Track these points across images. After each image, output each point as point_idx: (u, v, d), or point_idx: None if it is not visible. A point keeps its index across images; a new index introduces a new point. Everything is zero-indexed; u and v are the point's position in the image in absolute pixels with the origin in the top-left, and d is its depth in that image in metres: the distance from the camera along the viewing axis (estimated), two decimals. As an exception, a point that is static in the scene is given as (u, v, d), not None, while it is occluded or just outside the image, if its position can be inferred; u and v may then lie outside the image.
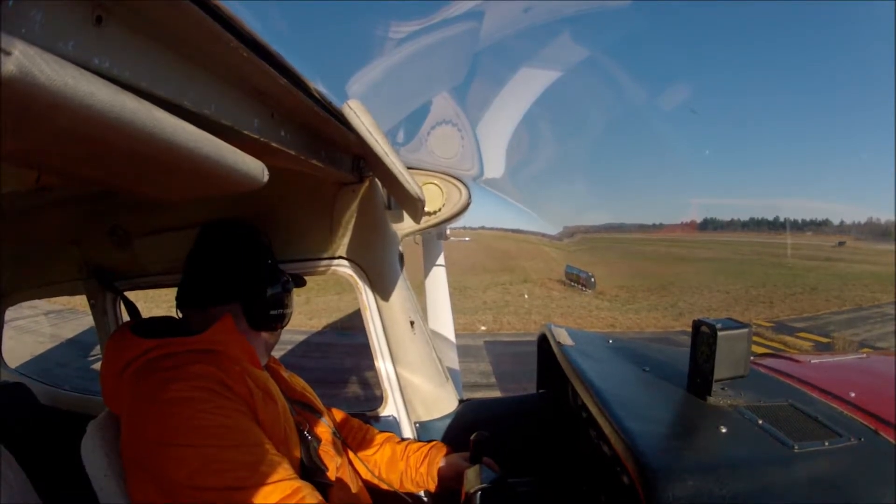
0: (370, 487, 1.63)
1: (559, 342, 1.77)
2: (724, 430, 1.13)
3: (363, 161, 1.61)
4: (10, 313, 2.54)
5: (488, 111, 1.85)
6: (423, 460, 1.64)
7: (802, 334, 13.64)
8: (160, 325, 1.35)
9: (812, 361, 1.94)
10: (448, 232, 3.00)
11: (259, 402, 1.19)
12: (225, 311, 1.32)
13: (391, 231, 1.87)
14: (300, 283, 1.63)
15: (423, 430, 1.95)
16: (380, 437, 1.73)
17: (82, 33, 0.47)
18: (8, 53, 0.34)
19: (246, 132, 0.82)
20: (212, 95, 0.72)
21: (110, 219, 1.80)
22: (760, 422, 1.17)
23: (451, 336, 2.96)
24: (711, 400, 1.30)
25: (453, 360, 2.80)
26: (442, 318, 2.96)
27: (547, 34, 1.65)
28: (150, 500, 1.02)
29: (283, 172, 1.10)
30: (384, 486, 1.69)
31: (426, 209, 1.84)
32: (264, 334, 1.42)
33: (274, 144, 0.95)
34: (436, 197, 1.88)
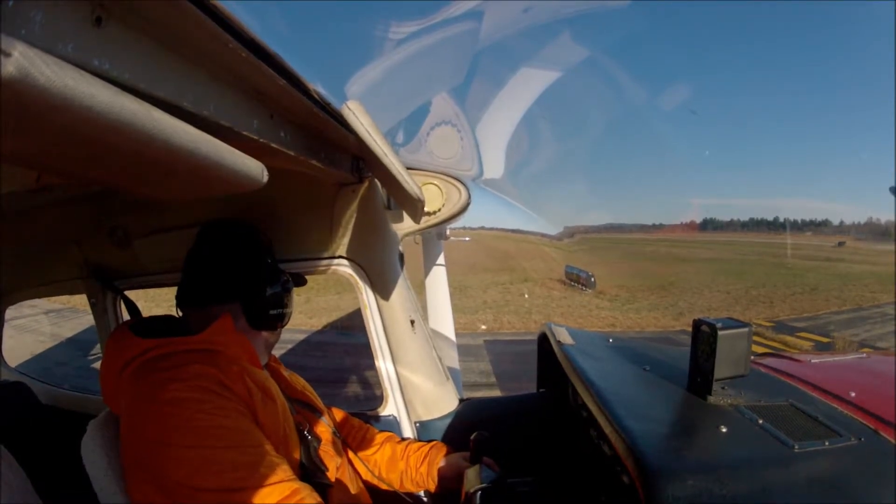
0: (370, 487, 1.63)
1: (559, 341, 1.77)
2: (724, 430, 1.14)
3: (363, 161, 1.61)
4: (10, 312, 2.54)
5: (488, 111, 1.84)
6: (423, 460, 1.64)
7: (802, 334, 13.64)
8: (160, 325, 1.35)
9: (812, 361, 1.94)
10: (448, 232, 3.00)
11: (258, 402, 1.19)
12: (224, 310, 1.32)
13: (391, 231, 1.87)
14: (301, 282, 1.63)
15: (424, 430, 1.95)
16: (380, 437, 1.73)
17: (82, 34, 0.47)
18: (8, 55, 0.34)
19: (245, 133, 0.82)
20: (211, 96, 0.72)
21: (110, 219, 1.80)
22: (761, 421, 1.17)
23: (452, 335, 2.96)
24: (712, 399, 1.30)
25: (453, 360, 2.80)
26: (442, 318, 2.96)
27: (547, 34, 1.65)
28: (149, 500, 1.02)
29: (282, 173, 1.10)
30: (384, 486, 1.69)
31: (426, 209, 1.84)
32: (264, 333, 1.42)
33: (273, 145, 0.95)
34: (435, 197, 1.88)
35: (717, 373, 1.28)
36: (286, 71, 0.81)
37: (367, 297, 1.90)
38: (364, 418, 1.88)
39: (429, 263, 2.98)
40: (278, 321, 1.42)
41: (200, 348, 1.21)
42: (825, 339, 13.13)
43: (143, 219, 1.78)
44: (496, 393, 7.44)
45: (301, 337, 11.07)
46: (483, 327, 13.73)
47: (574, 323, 14.75)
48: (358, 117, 1.03)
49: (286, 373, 1.57)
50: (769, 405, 1.29)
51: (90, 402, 2.44)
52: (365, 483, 1.62)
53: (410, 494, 1.71)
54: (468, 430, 1.56)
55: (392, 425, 1.94)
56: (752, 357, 1.38)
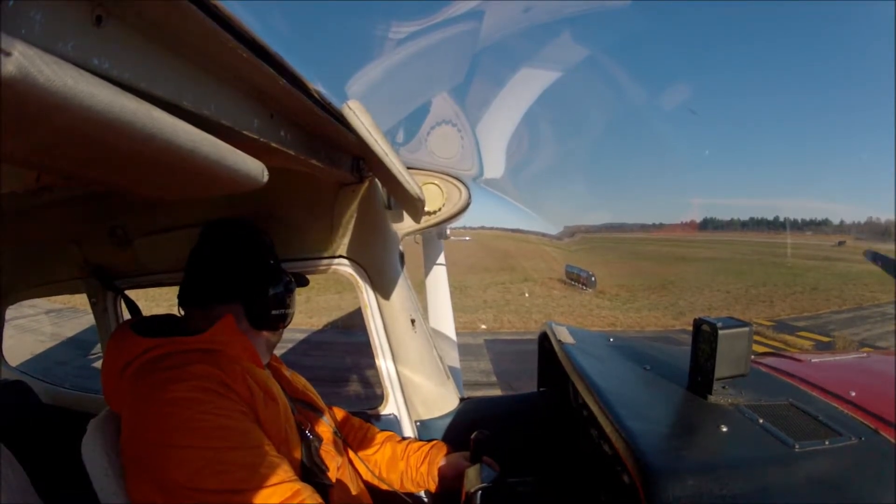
0: (370, 487, 1.63)
1: (560, 340, 1.77)
2: (724, 429, 1.14)
3: (363, 161, 1.61)
4: (10, 312, 2.54)
5: (488, 111, 1.84)
6: (423, 460, 1.64)
7: (803, 333, 13.63)
8: (161, 324, 1.35)
9: (813, 361, 1.94)
10: (448, 231, 3.00)
11: (259, 403, 1.19)
12: (226, 310, 1.32)
13: (391, 230, 1.87)
14: (303, 282, 1.63)
15: (424, 429, 1.95)
16: (380, 437, 1.73)
17: (82, 34, 0.47)
18: (8, 54, 0.34)
19: (245, 132, 0.82)
20: (211, 96, 0.72)
21: (110, 219, 1.80)
22: (761, 421, 1.17)
23: (452, 335, 2.96)
24: (712, 399, 1.30)
25: (454, 359, 2.80)
26: (443, 317, 2.96)
27: (547, 34, 1.65)
28: (149, 499, 1.02)
29: (282, 173, 1.10)
30: (384, 486, 1.68)
31: (426, 209, 1.84)
32: (266, 333, 1.42)
33: (274, 145, 0.95)
34: (436, 197, 1.88)
35: (718, 372, 1.28)
36: (287, 70, 0.81)
37: (368, 297, 1.90)
38: (364, 417, 1.88)
39: (429, 263, 2.98)
40: (280, 321, 1.42)
41: (202, 348, 1.21)
42: (825, 339, 13.12)
43: (143, 218, 1.78)
44: (497, 392, 7.44)
45: (301, 336, 11.07)
46: (483, 327, 13.72)
47: (574, 322, 14.75)
48: (358, 117, 1.03)
49: (287, 372, 1.57)
50: (769, 405, 1.29)
51: (90, 401, 2.44)
52: (365, 483, 1.62)
53: (410, 494, 1.71)
54: (468, 430, 1.56)
55: (392, 424, 1.94)
56: (753, 356, 1.38)
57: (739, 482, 0.96)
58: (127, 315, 1.82)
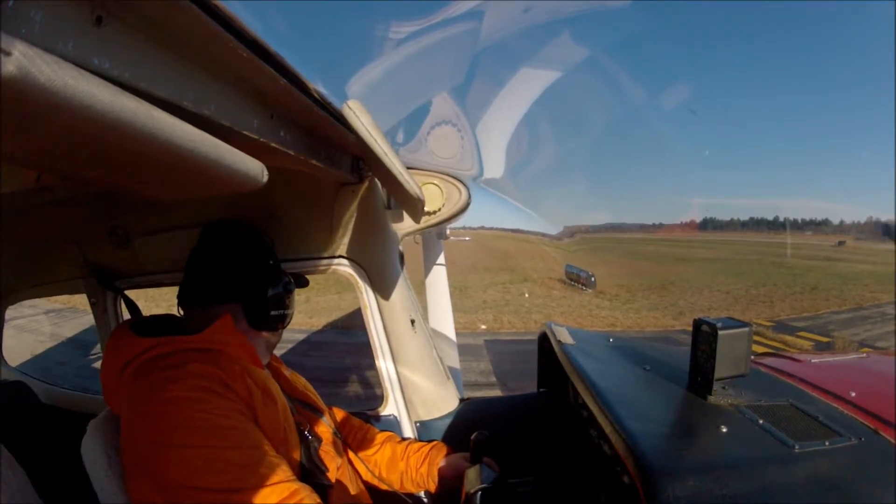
0: (370, 487, 1.63)
1: (560, 341, 1.77)
2: (724, 430, 1.14)
3: (363, 161, 1.61)
4: (10, 312, 2.54)
5: (488, 111, 1.84)
6: (423, 460, 1.63)
7: (803, 334, 13.64)
8: (161, 324, 1.35)
9: (812, 361, 1.94)
10: (448, 231, 3.00)
11: (258, 403, 1.18)
12: (225, 310, 1.32)
13: (391, 231, 1.87)
14: (302, 283, 1.63)
15: (424, 430, 1.95)
16: (380, 437, 1.73)
17: (82, 33, 0.47)
18: (8, 54, 0.34)
19: (245, 132, 0.82)
20: (211, 96, 0.72)
21: (110, 219, 1.80)
22: (761, 421, 1.17)
23: (452, 335, 2.96)
24: (712, 399, 1.30)
25: (454, 359, 2.80)
26: (442, 317, 2.96)
27: (547, 34, 1.65)
28: (149, 499, 1.02)
29: (282, 173, 1.10)
30: (384, 487, 1.68)
31: (426, 209, 1.83)
32: (265, 334, 1.42)
33: (273, 145, 0.95)
34: (435, 197, 1.88)
35: (718, 373, 1.28)
36: (287, 70, 0.81)
37: (368, 297, 1.89)
38: (364, 418, 1.88)
39: (429, 263, 2.98)
40: (279, 322, 1.42)
41: (201, 347, 1.21)
42: (825, 339, 13.13)
43: (143, 218, 1.78)
44: (496, 393, 7.44)
45: (301, 336, 11.07)
46: (483, 327, 13.72)
47: (574, 322, 14.76)
48: (358, 117, 1.03)
49: (287, 372, 1.57)
50: (769, 405, 1.29)
51: (90, 401, 2.43)
52: (365, 483, 1.62)
53: (410, 495, 1.71)
54: (468, 430, 1.56)
55: (392, 425, 1.94)
56: (753, 357, 1.38)
57: (739, 482, 0.96)
58: (127, 315, 1.81)
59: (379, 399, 2.00)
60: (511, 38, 1.63)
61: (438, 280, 2.99)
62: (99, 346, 2.33)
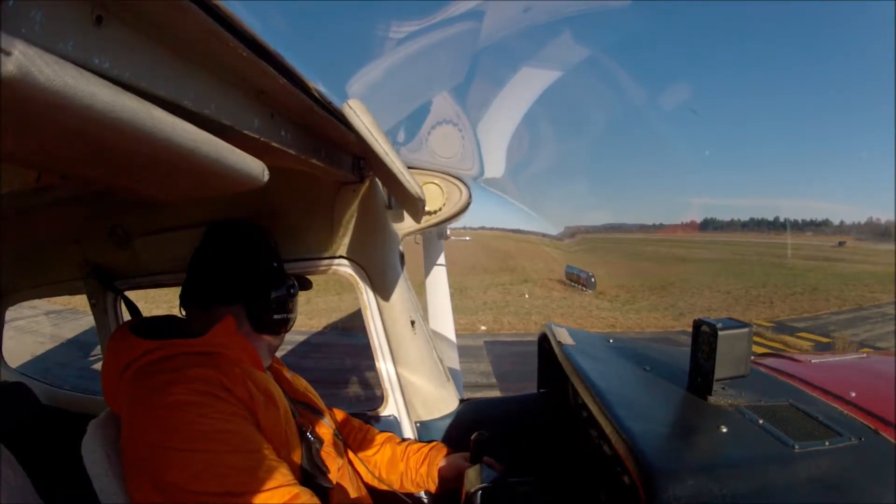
0: (370, 488, 1.63)
1: (560, 342, 1.77)
2: (724, 430, 1.13)
3: (363, 161, 1.61)
4: (10, 313, 2.54)
5: (488, 111, 1.85)
6: (423, 461, 1.63)
7: (803, 334, 13.64)
8: (161, 325, 1.34)
9: (812, 361, 1.94)
10: (448, 232, 3.00)
11: (260, 406, 1.18)
12: (227, 311, 1.32)
13: (391, 231, 1.87)
14: (306, 285, 1.62)
15: (424, 430, 1.95)
16: (380, 438, 1.73)
17: (82, 33, 0.47)
18: (8, 53, 0.34)
19: (246, 132, 0.82)
20: (212, 95, 0.72)
21: (110, 219, 1.80)
22: (761, 421, 1.17)
23: (452, 336, 2.96)
24: (712, 399, 1.30)
25: (454, 360, 2.80)
26: (442, 318, 2.96)
27: (547, 34, 1.65)
28: (149, 500, 1.02)
29: (283, 172, 1.10)
30: (384, 487, 1.68)
31: (426, 209, 1.83)
32: (267, 337, 1.41)
33: (274, 144, 0.95)
34: (436, 197, 1.88)
35: (718, 373, 1.28)
36: (287, 70, 0.81)
37: (368, 298, 1.89)
38: (364, 418, 1.88)
39: (429, 263, 2.98)
40: (282, 326, 1.41)
41: (202, 350, 1.21)
42: (825, 340, 13.13)
43: (144, 218, 1.78)
44: (496, 393, 7.44)
45: (301, 338, 11.06)
46: (483, 328, 13.72)
47: (574, 323, 14.76)
48: (359, 116, 1.03)
49: (288, 374, 1.56)
50: (769, 405, 1.29)
51: (90, 402, 2.43)
52: (365, 484, 1.62)
53: (410, 495, 1.71)
54: (468, 431, 1.56)
55: (392, 425, 1.94)
56: (753, 357, 1.38)
57: (739, 483, 0.96)
58: (127, 316, 1.81)
59: (379, 400, 2.00)
60: (511, 38, 1.63)
61: (439, 280, 2.99)
62: (99, 347, 2.33)
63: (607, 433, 1.19)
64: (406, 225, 1.90)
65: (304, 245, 1.83)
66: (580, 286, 20.96)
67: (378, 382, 2.00)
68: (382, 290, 1.87)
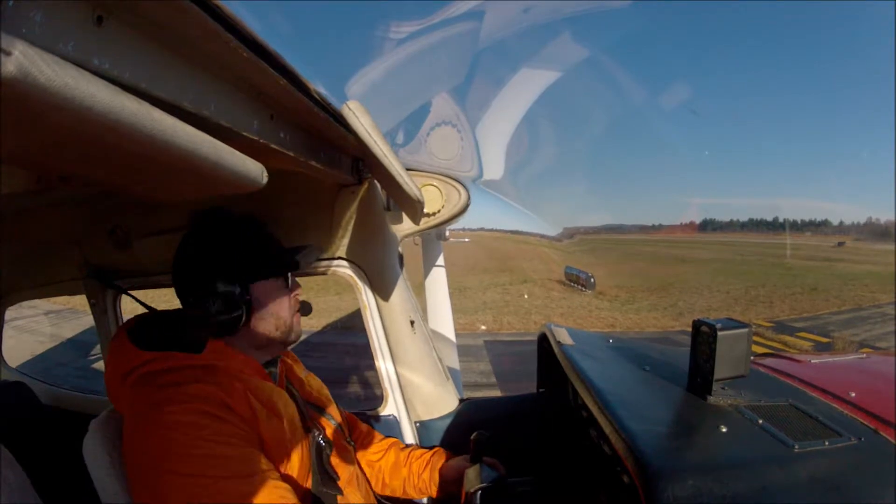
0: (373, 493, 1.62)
1: (559, 342, 1.77)
2: (724, 430, 1.14)
3: (362, 162, 1.61)
4: (9, 313, 2.54)
5: (488, 112, 1.85)
6: (425, 466, 1.63)
7: (802, 334, 13.65)
8: (161, 328, 1.31)
9: (812, 361, 1.94)
10: (448, 233, 3.00)
11: (262, 420, 1.15)
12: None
13: (390, 232, 1.87)
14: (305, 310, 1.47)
15: (424, 430, 1.96)
16: (384, 443, 1.72)
17: (82, 33, 0.47)
18: (8, 54, 0.34)
19: (245, 133, 0.82)
20: (211, 96, 0.71)
21: (110, 219, 1.80)
22: (761, 421, 1.17)
23: (452, 336, 2.96)
24: (712, 399, 1.30)
25: (453, 360, 2.80)
26: (442, 319, 2.96)
27: (547, 34, 1.66)
28: None
29: (282, 174, 1.10)
30: (387, 492, 1.68)
31: (425, 210, 1.83)
32: (247, 334, 1.28)
33: (273, 146, 0.94)
34: (435, 198, 1.88)
35: (717, 373, 1.28)
36: (287, 71, 0.81)
37: (367, 298, 1.89)
38: (364, 418, 1.88)
39: (428, 264, 2.98)
40: (235, 323, 1.24)
41: (201, 364, 1.17)
42: (825, 340, 13.13)
43: (144, 219, 1.78)
44: (496, 392, 7.45)
45: (301, 337, 11.04)
46: (483, 328, 13.73)
47: (573, 323, 14.76)
48: (358, 117, 1.03)
49: (303, 373, 1.53)
50: (769, 405, 1.29)
51: (90, 402, 2.44)
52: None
53: (413, 501, 1.70)
54: (468, 430, 1.56)
55: (392, 425, 1.94)
56: (752, 357, 1.38)
57: (739, 482, 0.96)
58: (127, 315, 1.81)
59: (378, 399, 2.00)
60: (511, 38, 1.63)
61: (438, 281, 2.98)
62: (98, 346, 2.33)
63: (607, 433, 1.19)
64: (405, 226, 1.90)
65: None
66: (579, 286, 20.98)
67: (377, 382, 2.00)
68: (382, 290, 1.87)
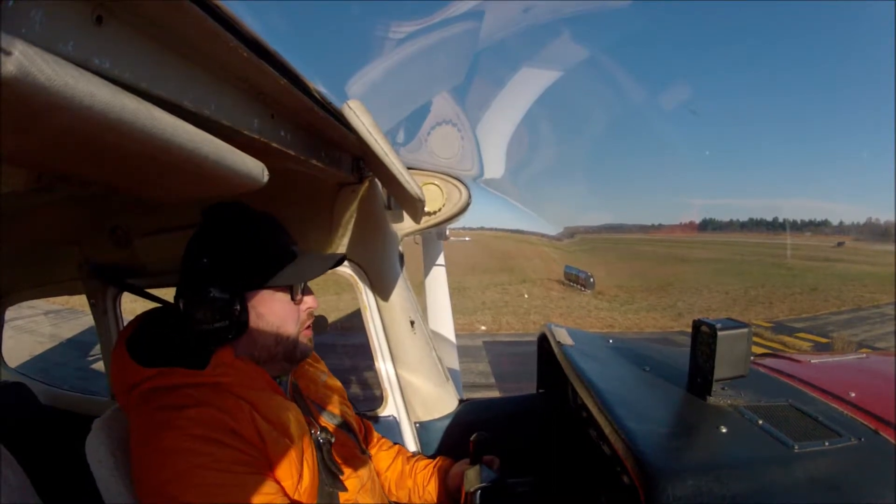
0: None
1: (559, 342, 1.77)
2: (724, 430, 1.14)
3: (363, 161, 1.61)
4: (9, 313, 2.54)
5: (488, 111, 1.85)
6: (430, 478, 1.61)
7: (801, 335, 13.65)
8: (162, 338, 1.22)
9: (812, 361, 1.94)
10: (448, 232, 3.00)
11: (271, 442, 1.11)
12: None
13: (391, 231, 1.87)
14: (319, 326, 1.42)
15: (423, 430, 1.95)
16: (391, 452, 1.70)
17: (82, 33, 0.47)
18: (8, 53, 0.34)
19: (246, 132, 0.82)
20: (212, 95, 0.71)
21: (110, 219, 1.80)
22: (760, 422, 1.17)
23: (452, 336, 2.96)
24: (712, 400, 1.30)
25: (453, 360, 2.80)
26: (442, 318, 2.96)
27: (547, 34, 1.66)
28: None
29: (283, 173, 1.10)
30: (393, 499, 1.66)
31: (426, 209, 1.83)
32: (249, 346, 1.21)
33: (274, 145, 0.94)
34: (436, 197, 1.88)
35: (717, 373, 1.28)
36: (287, 70, 0.81)
37: (367, 298, 1.89)
38: (363, 418, 1.87)
39: (429, 264, 2.98)
40: (221, 336, 1.17)
41: (204, 382, 1.12)
42: (824, 340, 13.13)
43: (144, 219, 1.78)
44: (494, 393, 7.44)
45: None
46: (483, 328, 13.72)
47: (572, 323, 14.75)
48: (359, 116, 1.03)
49: (324, 377, 1.51)
50: (769, 405, 1.29)
51: (90, 402, 2.43)
52: None
53: None
54: (468, 431, 1.56)
55: (391, 426, 1.94)
56: (752, 358, 1.38)
57: (739, 483, 0.96)
58: (127, 316, 1.81)
59: (378, 400, 2.00)
60: (511, 38, 1.63)
61: (438, 281, 2.99)
62: (98, 346, 2.33)
63: (607, 433, 1.19)
64: (405, 225, 1.90)
65: (304, 245, 1.83)
66: (579, 286, 20.97)
67: (376, 382, 1.99)
68: (382, 290, 1.86)
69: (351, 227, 1.78)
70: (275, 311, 1.22)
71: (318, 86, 0.96)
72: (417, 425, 1.96)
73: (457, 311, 3.06)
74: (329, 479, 1.26)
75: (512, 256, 33.13)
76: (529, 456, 1.80)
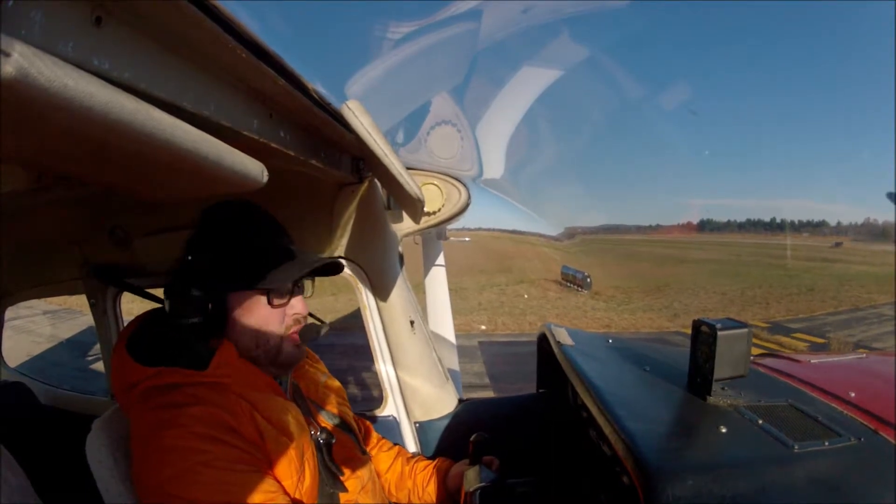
0: None
1: (559, 342, 1.77)
2: (724, 430, 1.14)
3: (362, 162, 1.61)
4: (8, 313, 2.53)
5: (488, 111, 1.85)
6: (429, 479, 1.61)
7: (798, 335, 13.64)
8: (161, 337, 1.21)
9: (812, 361, 1.95)
10: (448, 232, 3.00)
11: (270, 442, 1.11)
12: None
13: (391, 231, 1.87)
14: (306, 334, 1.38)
15: (423, 431, 1.95)
16: (391, 453, 1.70)
17: (82, 34, 0.47)
18: (7, 54, 0.34)
19: (245, 133, 0.82)
20: (211, 96, 0.71)
21: (110, 219, 1.80)
22: (760, 422, 1.18)
23: (451, 336, 2.96)
24: (711, 400, 1.30)
25: (453, 360, 2.79)
26: (441, 319, 2.96)
27: (547, 34, 1.66)
28: None
29: (282, 173, 1.09)
30: (393, 500, 1.66)
31: (426, 209, 1.83)
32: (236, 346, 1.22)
33: (273, 145, 0.94)
34: (435, 197, 1.88)
35: (717, 373, 1.28)
36: (286, 71, 0.81)
37: (367, 298, 1.89)
38: (363, 419, 1.87)
39: (428, 264, 2.98)
40: (196, 332, 1.18)
41: (207, 381, 1.12)
42: (821, 340, 13.12)
43: (144, 219, 1.78)
44: (489, 392, 7.44)
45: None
46: (482, 328, 13.71)
47: (569, 324, 14.71)
48: (358, 117, 1.03)
49: (323, 378, 1.51)
50: (769, 405, 1.29)
51: (89, 402, 2.43)
52: None
53: None
54: (468, 431, 1.56)
55: (391, 426, 1.94)
56: (752, 358, 1.38)
57: (739, 483, 0.96)
58: (127, 317, 1.80)
59: (377, 400, 2.00)
60: (510, 38, 1.63)
61: (438, 281, 2.99)
62: (98, 346, 2.33)
63: (606, 433, 1.19)
64: (405, 225, 1.90)
65: (303, 245, 1.83)
66: (576, 286, 20.96)
67: (376, 383, 1.99)
68: (381, 290, 1.86)
69: (350, 227, 1.78)
70: (254, 314, 1.21)
71: (318, 86, 0.96)
72: (417, 425, 1.96)
73: (454, 311, 3.06)
74: (329, 479, 1.26)
75: (510, 257, 33.12)
76: (529, 456, 1.80)
